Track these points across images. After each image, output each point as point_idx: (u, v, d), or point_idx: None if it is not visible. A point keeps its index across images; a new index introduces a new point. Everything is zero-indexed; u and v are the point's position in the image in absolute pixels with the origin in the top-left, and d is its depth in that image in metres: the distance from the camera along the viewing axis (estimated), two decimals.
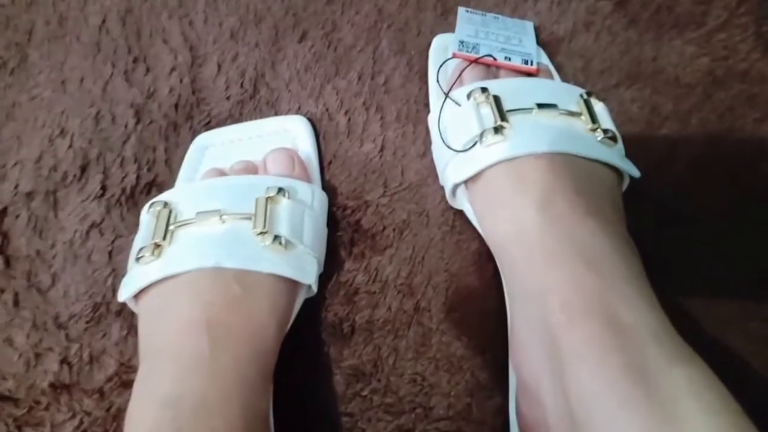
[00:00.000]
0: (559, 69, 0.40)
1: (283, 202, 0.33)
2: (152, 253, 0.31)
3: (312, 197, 0.35)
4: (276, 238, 0.32)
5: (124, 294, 0.32)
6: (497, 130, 0.32)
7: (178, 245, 0.32)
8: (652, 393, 0.23)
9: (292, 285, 0.33)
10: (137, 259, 0.32)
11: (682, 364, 0.24)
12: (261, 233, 0.32)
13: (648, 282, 0.29)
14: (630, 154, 0.35)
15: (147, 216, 0.34)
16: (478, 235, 0.37)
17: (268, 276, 0.32)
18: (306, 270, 0.33)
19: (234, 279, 0.31)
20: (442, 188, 0.37)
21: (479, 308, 0.36)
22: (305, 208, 0.34)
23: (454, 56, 0.38)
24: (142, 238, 0.33)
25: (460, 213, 0.38)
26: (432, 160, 0.38)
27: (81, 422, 0.35)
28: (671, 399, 0.23)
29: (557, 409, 0.27)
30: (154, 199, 0.34)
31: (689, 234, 0.37)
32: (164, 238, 0.32)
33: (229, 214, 0.32)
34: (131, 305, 0.34)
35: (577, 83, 0.39)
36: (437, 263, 0.37)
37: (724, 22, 0.40)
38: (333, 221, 0.38)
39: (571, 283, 0.28)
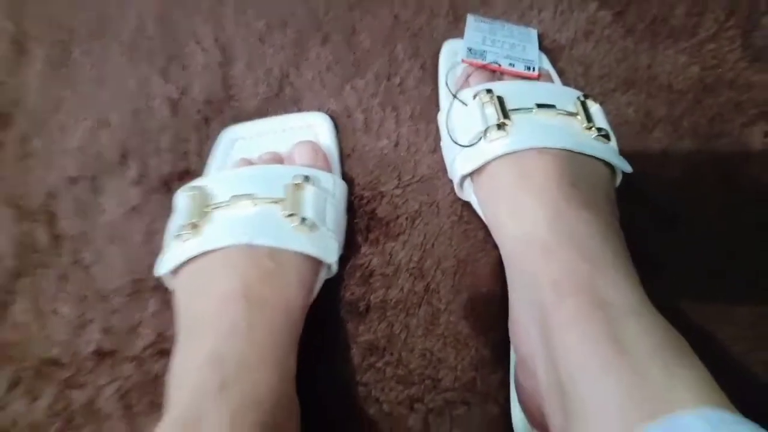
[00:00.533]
0: (560, 74, 0.46)
1: (309, 188, 0.39)
2: (190, 231, 0.37)
3: (333, 186, 0.41)
4: (303, 220, 0.37)
5: (163, 268, 0.38)
6: (500, 126, 0.38)
7: (213, 225, 0.38)
8: (630, 359, 0.28)
9: (316, 263, 0.39)
10: (176, 237, 0.38)
11: (656, 334, 0.30)
12: (290, 215, 0.37)
13: (633, 267, 0.34)
14: (625, 153, 0.41)
15: (184, 199, 0.39)
16: (485, 225, 0.42)
17: (296, 254, 0.37)
18: (328, 250, 0.39)
19: (266, 256, 0.37)
20: (451, 181, 0.42)
21: (485, 291, 0.42)
22: (327, 195, 0.40)
23: (463, 62, 0.44)
24: (179, 218, 0.39)
25: (468, 204, 0.43)
26: (442, 156, 0.44)
27: (121, 386, 0.40)
28: (645, 367, 0.28)
29: (549, 379, 0.32)
30: (191, 184, 0.40)
31: (681, 228, 0.43)
32: (201, 218, 0.38)
33: (260, 198, 0.38)
34: (167, 281, 0.39)
35: (577, 87, 0.45)
36: (446, 249, 0.43)
37: (714, 33, 0.46)
38: (351, 209, 0.43)
39: (563, 267, 0.34)
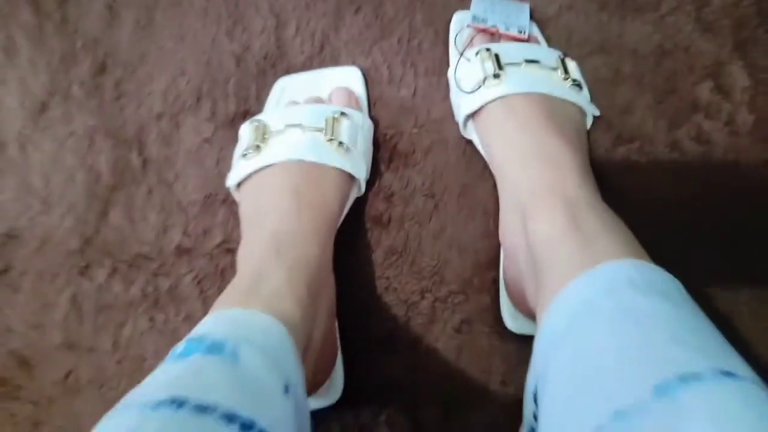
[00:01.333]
0: (547, 40, 0.55)
1: (344, 121, 0.49)
2: (254, 151, 0.48)
3: (363, 121, 0.51)
4: (340, 144, 0.48)
5: (232, 181, 0.49)
6: (496, 76, 0.49)
7: (271, 146, 0.47)
8: (582, 233, 0.39)
9: (349, 179, 0.49)
10: (242, 156, 0.49)
11: (605, 219, 0.41)
12: (330, 140, 0.48)
13: (592, 176, 0.45)
14: (598, 102, 0.52)
15: (248, 128, 0.49)
16: (483, 158, 0.53)
17: (335, 169, 0.47)
18: (359, 168, 0.49)
19: (313, 168, 0.47)
20: (457, 123, 0.53)
21: (482, 208, 0.52)
22: (359, 128, 0.51)
23: (468, 27, 0.55)
24: (244, 142, 0.49)
25: (471, 142, 0.53)
26: (451, 103, 0.54)
27: (197, 275, 0.51)
28: (592, 237, 0.39)
29: (527, 263, 0.42)
30: (254, 117, 0.50)
31: (638, 155, 0.53)
32: (261, 142, 0.49)
33: (308, 127, 0.49)
34: (234, 193, 0.50)
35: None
36: (452, 177, 0.53)
37: (673, 8, 0.55)
38: (376, 145, 0.53)
39: (537, 175, 0.43)
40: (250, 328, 0.34)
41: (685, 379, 0.24)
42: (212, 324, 0.35)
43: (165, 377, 0.30)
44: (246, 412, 0.28)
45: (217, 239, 0.51)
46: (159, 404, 0.27)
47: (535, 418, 0.34)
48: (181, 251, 0.51)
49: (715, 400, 0.24)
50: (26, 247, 0.52)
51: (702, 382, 0.24)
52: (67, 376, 0.50)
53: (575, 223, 0.39)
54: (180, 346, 0.33)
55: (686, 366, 0.25)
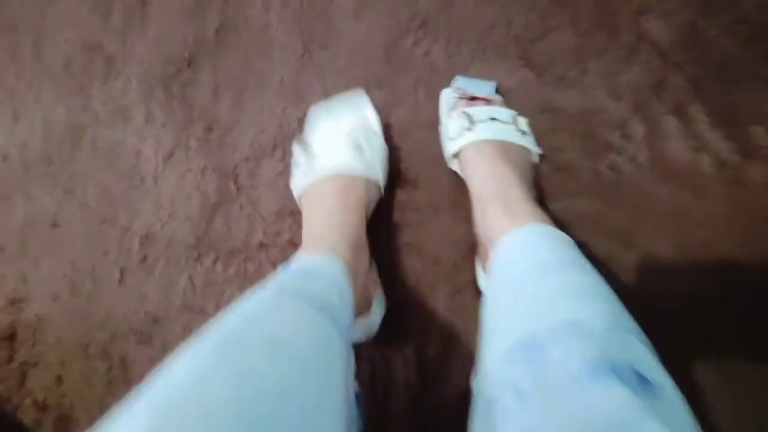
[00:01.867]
0: (506, 103, 0.82)
1: (367, 144, 0.75)
2: (307, 165, 0.73)
3: (380, 143, 0.74)
4: (365, 159, 0.73)
5: (297, 189, 0.73)
6: (469, 129, 0.74)
7: (317, 165, 0.73)
8: (513, 215, 0.61)
9: (371, 183, 0.72)
10: (297, 168, 0.74)
11: (531, 210, 0.64)
12: (358, 156, 0.73)
13: (531, 190, 0.69)
14: (541, 145, 0.77)
15: (299, 151, 0.75)
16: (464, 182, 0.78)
17: (363, 177, 0.72)
18: (378, 175, 0.72)
19: (350, 177, 0.71)
20: (446, 160, 0.79)
21: (465, 216, 0.76)
22: (376, 148, 0.74)
23: (454, 95, 0.81)
24: (299, 159, 0.75)
25: (455, 172, 0.79)
26: (441, 147, 0.80)
27: (273, 261, 0.75)
28: (519, 215, 0.62)
29: (488, 242, 0.67)
30: (303, 140, 0.76)
31: (570, 180, 0.78)
32: (310, 160, 0.74)
33: (345, 148, 0.74)
34: (297, 201, 0.75)
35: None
36: (445, 194, 0.76)
37: (592, 85, 0.82)
38: (394, 174, 0.77)
39: (491, 188, 0.66)
40: (323, 262, 0.58)
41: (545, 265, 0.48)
42: (298, 260, 0.58)
43: (274, 281, 0.54)
44: (328, 298, 0.51)
45: (286, 237, 0.75)
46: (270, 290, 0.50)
47: None
48: (262, 245, 0.75)
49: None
50: (158, 244, 0.76)
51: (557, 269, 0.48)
52: (184, 329, 0.73)
53: (509, 211, 0.62)
54: (281, 269, 0.56)
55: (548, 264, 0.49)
